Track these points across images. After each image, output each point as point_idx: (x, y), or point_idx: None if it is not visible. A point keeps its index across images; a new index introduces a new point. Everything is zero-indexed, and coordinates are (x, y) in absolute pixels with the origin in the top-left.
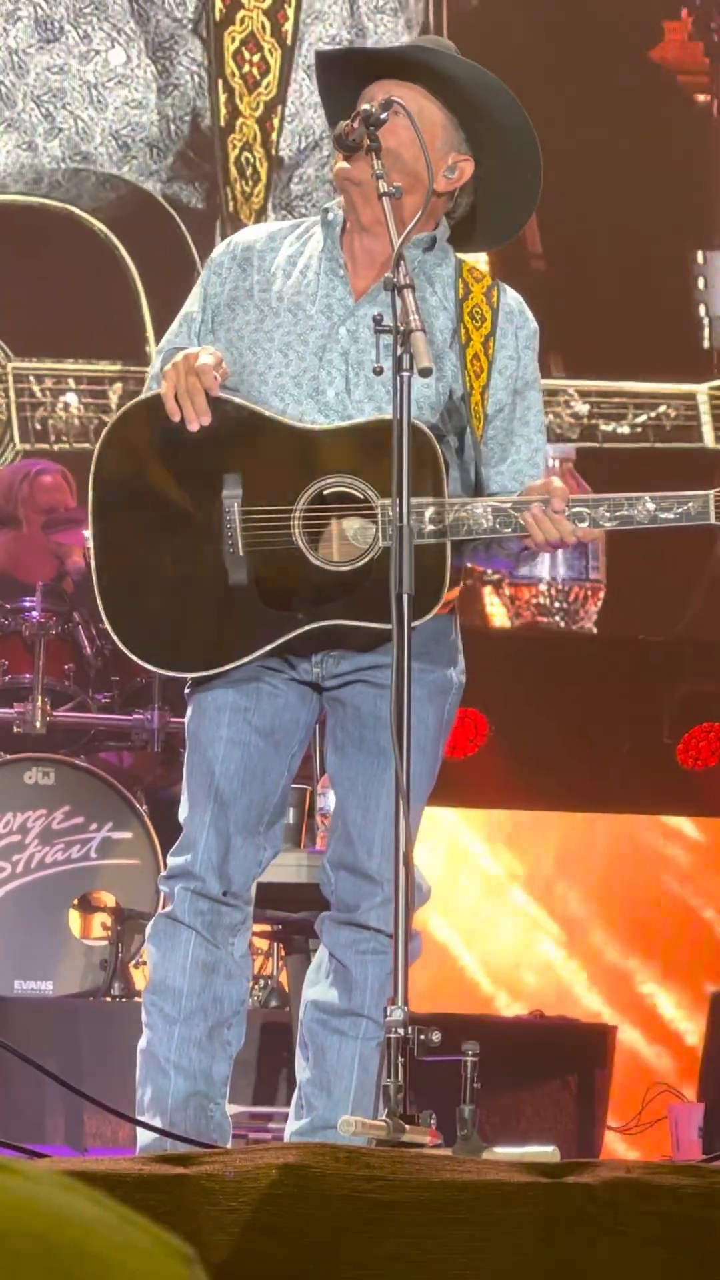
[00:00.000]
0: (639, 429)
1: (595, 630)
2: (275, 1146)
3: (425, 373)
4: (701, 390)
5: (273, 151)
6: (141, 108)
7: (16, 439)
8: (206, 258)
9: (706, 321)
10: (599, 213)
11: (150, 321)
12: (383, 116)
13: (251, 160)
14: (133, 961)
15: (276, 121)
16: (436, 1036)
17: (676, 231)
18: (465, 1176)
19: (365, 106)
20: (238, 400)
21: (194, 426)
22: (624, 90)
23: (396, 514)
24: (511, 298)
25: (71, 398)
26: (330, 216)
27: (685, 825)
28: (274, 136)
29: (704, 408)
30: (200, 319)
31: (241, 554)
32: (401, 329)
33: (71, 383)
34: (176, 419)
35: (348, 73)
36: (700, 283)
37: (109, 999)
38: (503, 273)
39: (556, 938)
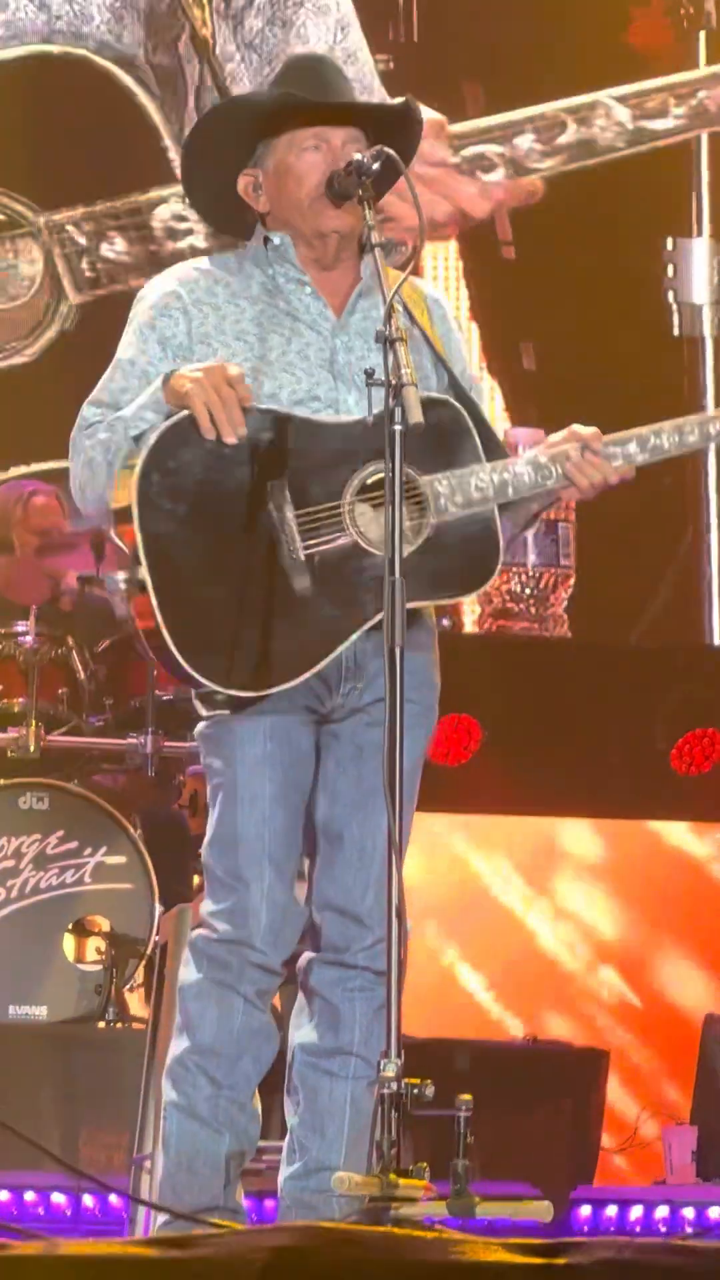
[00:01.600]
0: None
1: (566, 618)
2: (269, 1230)
3: (417, 428)
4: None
5: None
6: None
7: (70, 293)
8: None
9: (676, 309)
10: (568, 200)
11: (173, 147)
12: (375, 167)
13: None
14: (127, 986)
15: None
16: (430, 1091)
17: (646, 218)
18: (460, 1258)
19: (357, 157)
20: (261, 406)
21: (232, 439)
22: (595, 76)
23: (387, 569)
24: (433, 291)
25: (116, 237)
26: (278, 241)
27: (679, 831)
28: None
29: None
30: (160, 358)
31: (301, 558)
32: (394, 382)
33: (110, 221)
34: (212, 436)
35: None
36: (670, 270)
37: (103, 1024)
38: (473, 261)
39: (555, 946)
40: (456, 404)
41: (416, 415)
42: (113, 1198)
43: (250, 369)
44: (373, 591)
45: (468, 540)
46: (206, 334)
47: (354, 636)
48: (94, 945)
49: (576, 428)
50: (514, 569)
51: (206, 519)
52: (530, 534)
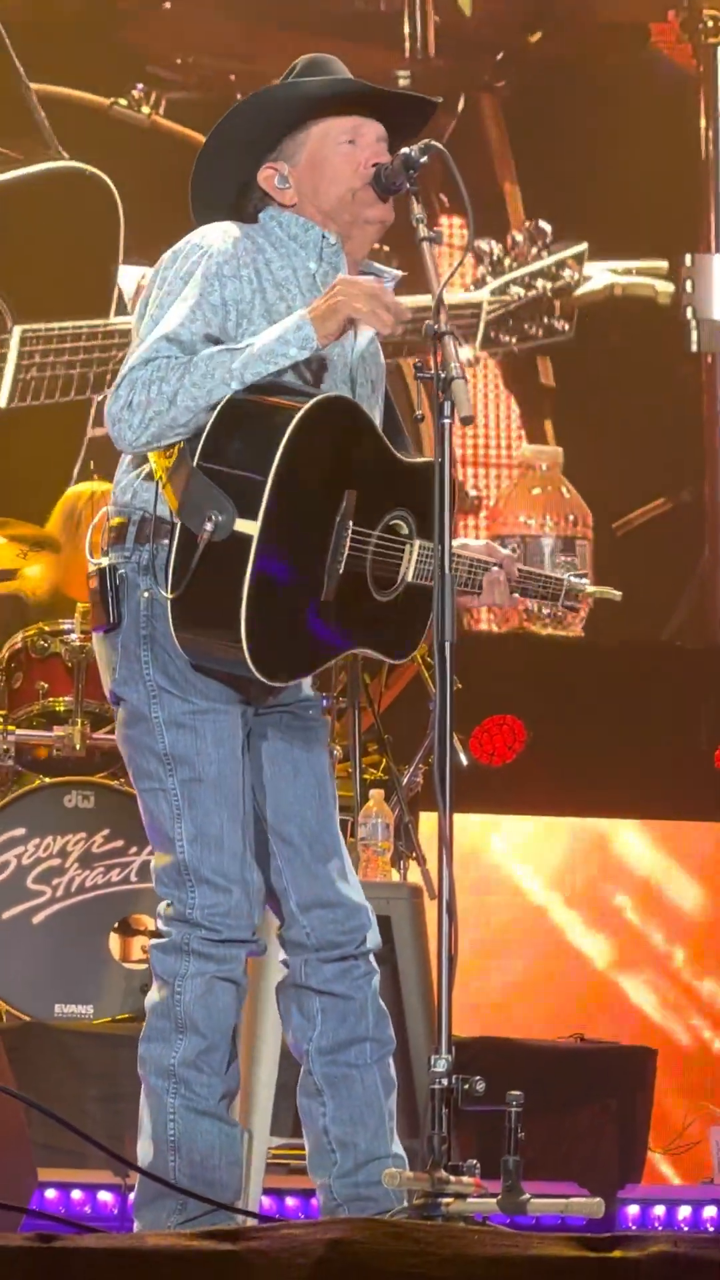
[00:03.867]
0: None
1: (584, 636)
2: (323, 1223)
3: (467, 421)
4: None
5: None
6: None
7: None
8: None
9: (694, 324)
10: (586, 215)
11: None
12: (422, 160)
13: None
14: None
15: None
16: (481, 1086)
17: (664, 235)
18: (513, 1252)
19: (405, 150)
20: (362, 411)
21: (401, 328)
22: (612, 90)
23: (437, 561)
24: None
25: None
26: (334, 241)
27: None
28: None
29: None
30: (226, 314)
31: (341, 571)
32: (443, 376)
33: (66, 344)
34: (386, 331)
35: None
36: (688, 286)
37: None
38: None
39: (599, 949)
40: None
41: (466, 409)
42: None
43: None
44: (357, 622)
45: (408, 610)
46: (253, 306)
47: (340, 655)
48: (140, 944)
49: (495, 546)
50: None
51: (306, 498)
52: (547, 553)
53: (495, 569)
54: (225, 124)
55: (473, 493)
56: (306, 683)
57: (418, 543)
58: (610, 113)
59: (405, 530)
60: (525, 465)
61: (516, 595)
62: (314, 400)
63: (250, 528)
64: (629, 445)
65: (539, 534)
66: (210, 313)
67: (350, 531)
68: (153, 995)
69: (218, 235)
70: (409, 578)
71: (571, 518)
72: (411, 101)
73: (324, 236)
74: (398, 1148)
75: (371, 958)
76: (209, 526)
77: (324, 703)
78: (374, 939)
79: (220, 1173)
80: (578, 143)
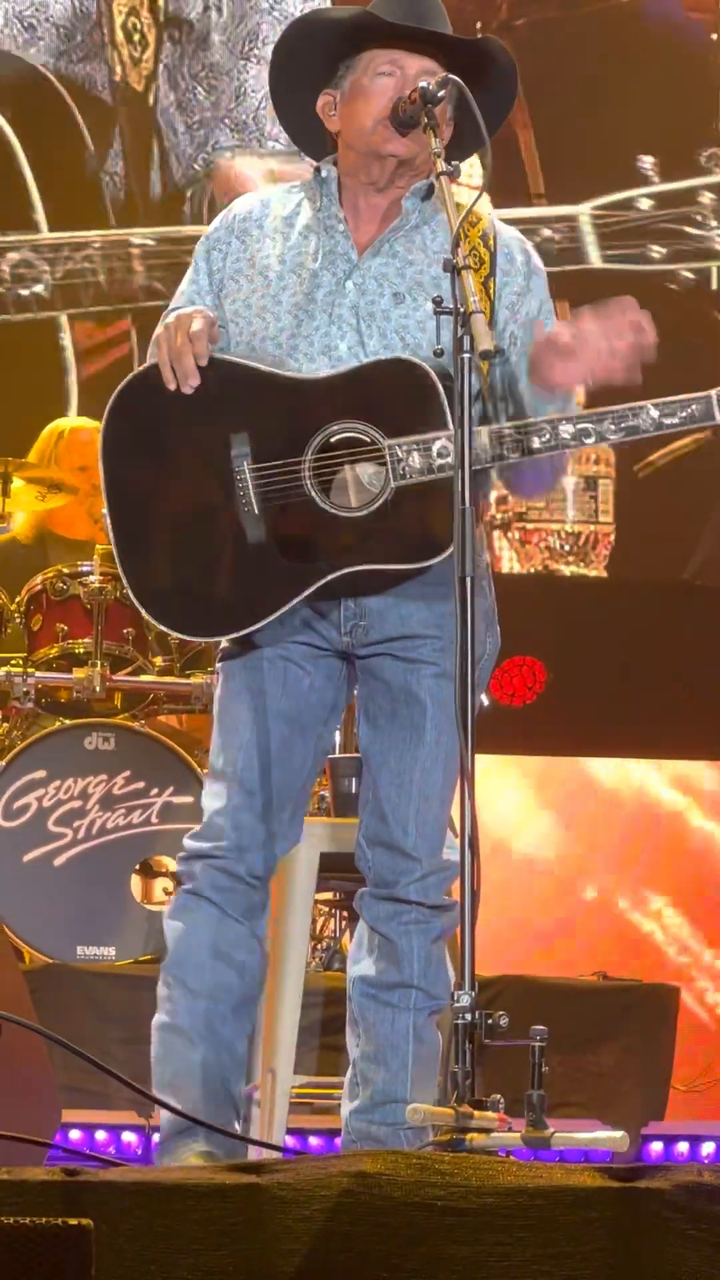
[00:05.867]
0: None
1: (607, 575)
2: (347, 1155)
3: (486, 355)
4: (584, 210)
5: (160, 18)
6: None
7: None
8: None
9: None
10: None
11: (37, 193)
12: (440, 94)
13: (139, 26)
14: None
15: None
16: (504, 1021)
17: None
18: (537, 1182)
19: (423, 84)
20: (234, 359)
21: (186, 389)
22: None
23: (458, 495)
24: (509, 236)
25: None
26: (325, 174)
27: None
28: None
29: (587, 228)
30: (207, 290)
31: (258, 512)
32: (462, 310)
33: None
34: (172, 387)
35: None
36: (715, 279)
37: None
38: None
39: (617, 889)
40: (424, 366)
41: (486, 343)
42: None
43: (259, 307)
44: (326, 549)
45: (425, 510)
46: (239, 269)
47: (307, 593)
48: (161, 886)
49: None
50: (552, 525)
51: (168, 466)
52: (570, 492)
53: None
54: (278, 50)
55: None
56: (413, 620)
57: (387, 443)
58: (623, 53)
59: (368, 438)
60: None
61: (590, 441)
62: (131, 375)
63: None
64: (651, 383)
65: None
66: (180, 296)
67: (249, 471)
68: None
69: (230, 206)
70: (391, 482)
71: (594, 457)
72: (441, 40)
73: (317, 170)
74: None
75: (424, 910)
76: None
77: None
78: (424, 891)
79: (189, 1094)
80: (592, 86)
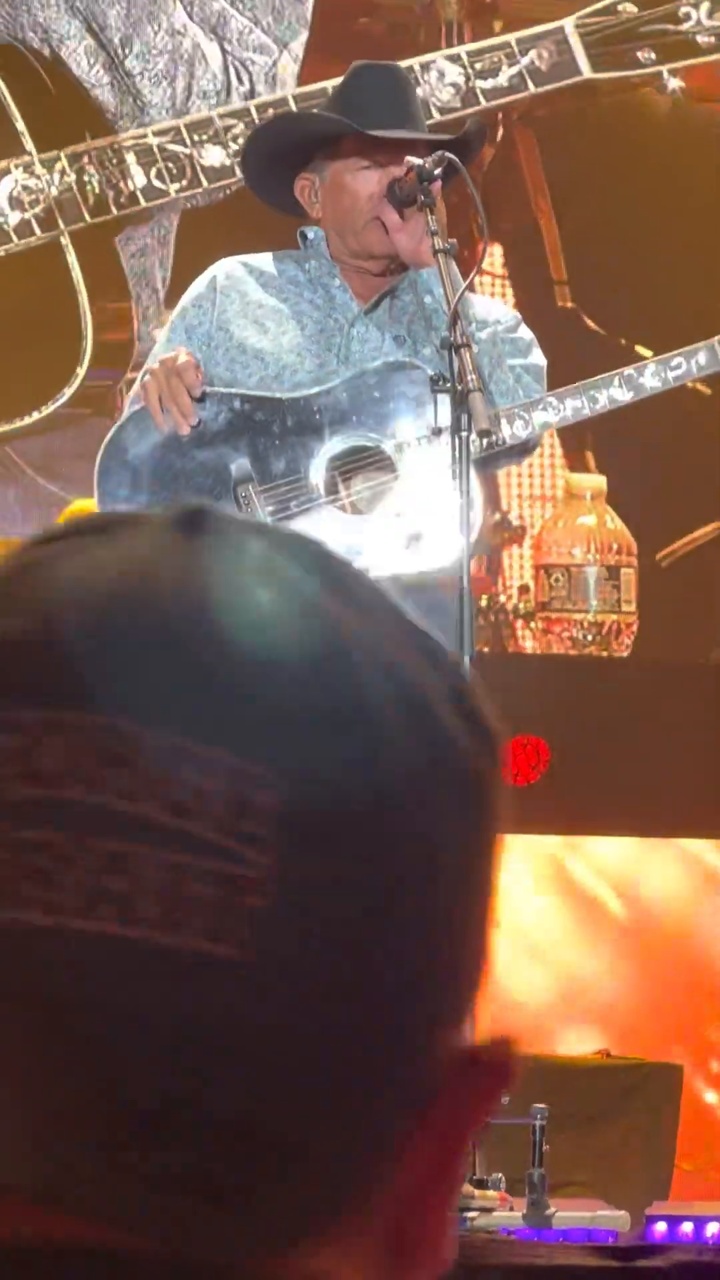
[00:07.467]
0: (516, 78)
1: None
2: None
3: (484, 434)
4: (568, 22)
5: None
6: None
7: None
8: None
9: None
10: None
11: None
12: (436, 172)
13: None
14: None
15: None
16: (505, 1099)
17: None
18: (538, 1262)
19: (419, 161)
20: (220, 389)
21: (184, 429)
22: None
23: (462, 587)
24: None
25: None
26: (311, 236)
27: None
28: None
29: (574, 40)
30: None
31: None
32: (460, 389)
33: None
34: (166, 430)
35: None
36: None
37: None
38: (529, 310)
39: (615, 968)
40: (414, 362)
41: (483, 423)
42: None
43: (262, 349)
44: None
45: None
46: (227, 320)
47: None
48: None
49: None
50: (575, 615)
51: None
52: (592, 582)
53: None
54: (252, 140)
55: (515, 522)
56: None
57: (393, 441)
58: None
59: (370, 445)
60: (568, 495)
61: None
62: (118, 424)
63: None
64: (673, 474)
65: (583, 564)
66: (178, 341)
67: (255, 493)
68: None
69: (210, 269)
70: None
71: (615, 546)
72: (424, 145)
73: (302, 234)
74: None
75: None
76: None
77: None
78: None
79: None
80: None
